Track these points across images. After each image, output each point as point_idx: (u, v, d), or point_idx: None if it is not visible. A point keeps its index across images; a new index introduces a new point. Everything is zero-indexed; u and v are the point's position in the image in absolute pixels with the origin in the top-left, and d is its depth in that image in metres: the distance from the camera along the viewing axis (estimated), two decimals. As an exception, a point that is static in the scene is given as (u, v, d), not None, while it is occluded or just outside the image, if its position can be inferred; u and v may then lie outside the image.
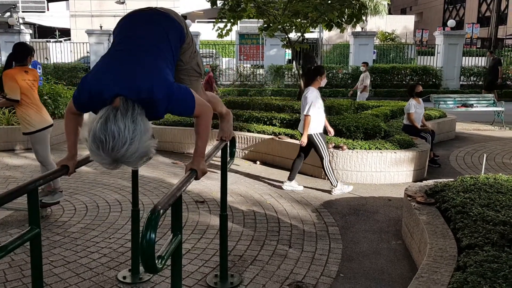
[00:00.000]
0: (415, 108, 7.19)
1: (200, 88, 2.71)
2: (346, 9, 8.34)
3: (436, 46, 19.50)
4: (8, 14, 28.06)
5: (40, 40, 22.93)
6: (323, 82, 5.59)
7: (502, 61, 16.13)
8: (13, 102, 4.60)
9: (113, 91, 1.95)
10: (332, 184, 5.49)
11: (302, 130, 5.51)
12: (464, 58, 19.43)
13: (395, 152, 5.96)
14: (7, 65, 4.78)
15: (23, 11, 30.75)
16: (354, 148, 6.01)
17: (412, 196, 4.13)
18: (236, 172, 6.30)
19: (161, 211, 1.71)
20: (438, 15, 44.51)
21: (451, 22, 20.02)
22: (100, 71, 2.06)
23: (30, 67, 4.86)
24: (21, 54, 4.73)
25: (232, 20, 9.11)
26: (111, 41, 2.40)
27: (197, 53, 2.56)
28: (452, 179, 4.57)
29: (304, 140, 5.42)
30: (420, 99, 7.37)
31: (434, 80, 18.75)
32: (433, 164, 6.90)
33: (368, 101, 11.30)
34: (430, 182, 4.60)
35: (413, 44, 24.89)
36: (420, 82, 16.14)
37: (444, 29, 20.53)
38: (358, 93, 12.65)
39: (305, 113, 5.39)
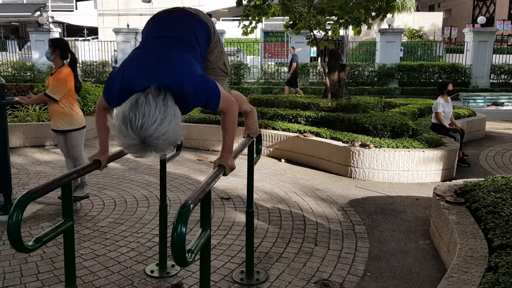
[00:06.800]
0: (443, 106, 7.06)
1: (227, 88, 2.74)
2: (373, 4, 8.20)
3: (465, 43, 19.07)
4: (38, 13, 28.74)
5: (69, 38, 23.41)
6: None
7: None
8: (50, 100, 4.63)
9: (144, 84, 1.97)
10: None
11: None
12: (494, 55, 18.93)
13: (423, 151, 5.86)
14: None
15: (52, 10, 31.47)
16: (381, 147, 5.94)
17: (441, 196, 4.05)
18: (261, 169, 6.31)
19: (191, 205, 1.72)
20: (468, 11, 43.46)
21: (481, 19, 19.37)
22: (131, 66, 2.10)
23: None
24: (66, 50, 4.74)
25: (257, 18, 9.10)
26: (138, 40, 2.46)
27: (224, 53, 2.59)
28: (482, 179, 4.47)
29: None
30: (448, 97, 7.23)
31: (463, 78, 18.35)
32: (462, 163, 6.77)
33: (395, 99, 11.14)
34: (460, 181, 4.50)
35: (441, 41, 24.37)
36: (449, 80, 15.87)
37: (473, 26, 19.96)
38: None
39: None
